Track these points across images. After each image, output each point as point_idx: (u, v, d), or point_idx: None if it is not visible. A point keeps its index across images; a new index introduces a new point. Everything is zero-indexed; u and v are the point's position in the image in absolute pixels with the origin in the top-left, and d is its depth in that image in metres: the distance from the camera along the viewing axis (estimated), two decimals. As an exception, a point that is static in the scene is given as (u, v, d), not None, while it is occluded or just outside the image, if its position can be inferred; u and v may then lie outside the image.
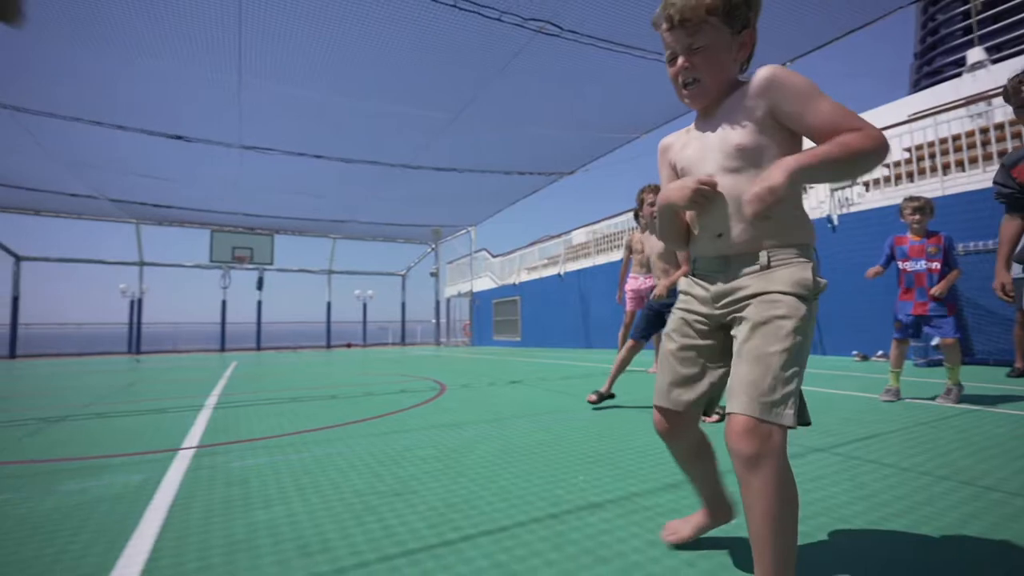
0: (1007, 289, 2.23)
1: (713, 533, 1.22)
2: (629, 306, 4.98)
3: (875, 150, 0.84)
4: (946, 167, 6.72)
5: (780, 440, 0.84)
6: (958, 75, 12.30)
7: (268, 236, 17.77)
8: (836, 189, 7.49)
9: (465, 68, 7.19)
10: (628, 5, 5.74)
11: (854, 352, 6.65)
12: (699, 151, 1.03)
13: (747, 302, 0.94)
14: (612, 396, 3.33)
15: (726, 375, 1.02)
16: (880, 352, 6.36)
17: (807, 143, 0.95)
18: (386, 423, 2.91)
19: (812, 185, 8.79)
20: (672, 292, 3.03)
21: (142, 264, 16.76)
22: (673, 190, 1.02)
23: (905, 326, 3.25)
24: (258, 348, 18.04)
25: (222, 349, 17.50)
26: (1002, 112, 7.06)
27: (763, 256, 0.94)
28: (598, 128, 9.50)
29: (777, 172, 0.85)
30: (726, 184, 0.97)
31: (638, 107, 8.57)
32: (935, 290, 3.13)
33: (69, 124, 8.37)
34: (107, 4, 5.59)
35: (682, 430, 1.09)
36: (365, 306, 20.56)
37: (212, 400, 4.17)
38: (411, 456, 2.12)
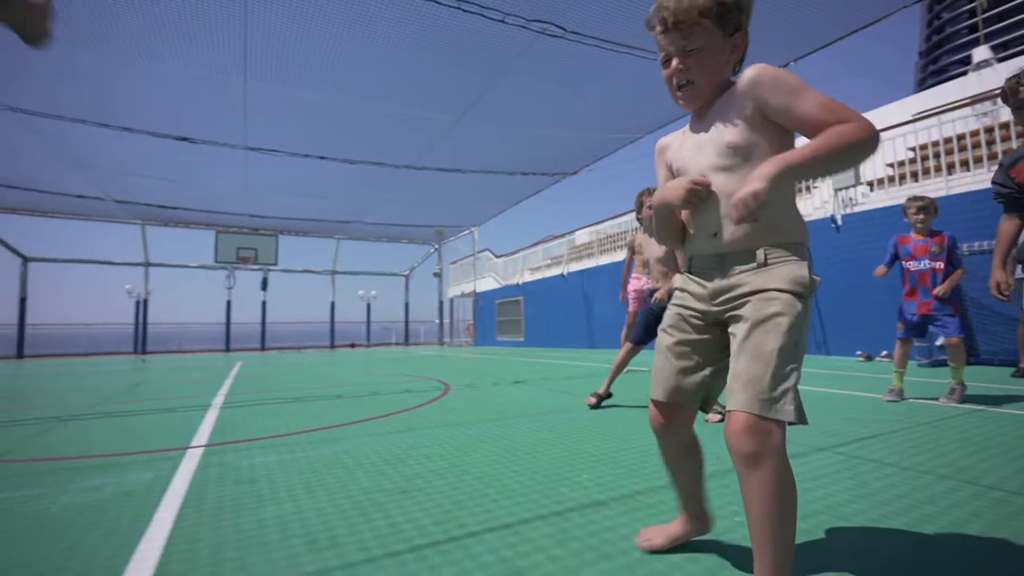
0: (1003, 288, 2.26)
1: (712, 533, 1.24)
2: (632, 306, 4.99)
3: (864, 141, 0.85)
4: (951, 167, 6.70)
5: (780, 437, 0.86)
6: (963, 74, 12.26)
7: (272, 237, 17.85)
8: (840, 189, 7.47)
9: (469, 70, 7.22)
10: (630, 6, 5.75)
11: (858, 352, 6.64)
12: (693, 151, 1.05)
13: (745, 300, 0.96)
14: (610, 395, 3.36)
15: (722, 370, 1.03)
16: (884, 352, 6.34)
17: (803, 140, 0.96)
18: (391, 422, 2.94)
19: (816, 185, 8.78)
20: (672, 296, 3.04)
21: (148, 265, 16.87)
22: (668, 190, 1.04)
23: (910, 326, 3.25)
24: (262, 348, 18.14)
25: (227, 349, 17.60)
26: (1008, 111, 7.03)
27: (760, 254, 0.96)
28: (601, 128, 9.51)
29: (759, 177, 0.86)
30: (720, 183, 0.99)
31: (641, 107, 8.58)
32: (938, 290, 3.13)
33: (76, 126, 8.44)
34: (112, 6, 5.65)
35: (677, 426, 1.10)
36: (369, 306, 20.65)
37: (219, 400, 4.21)
38: (417, 455, 2.15)
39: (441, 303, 20.80)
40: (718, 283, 1.01)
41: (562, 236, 16.03)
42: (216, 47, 6.50)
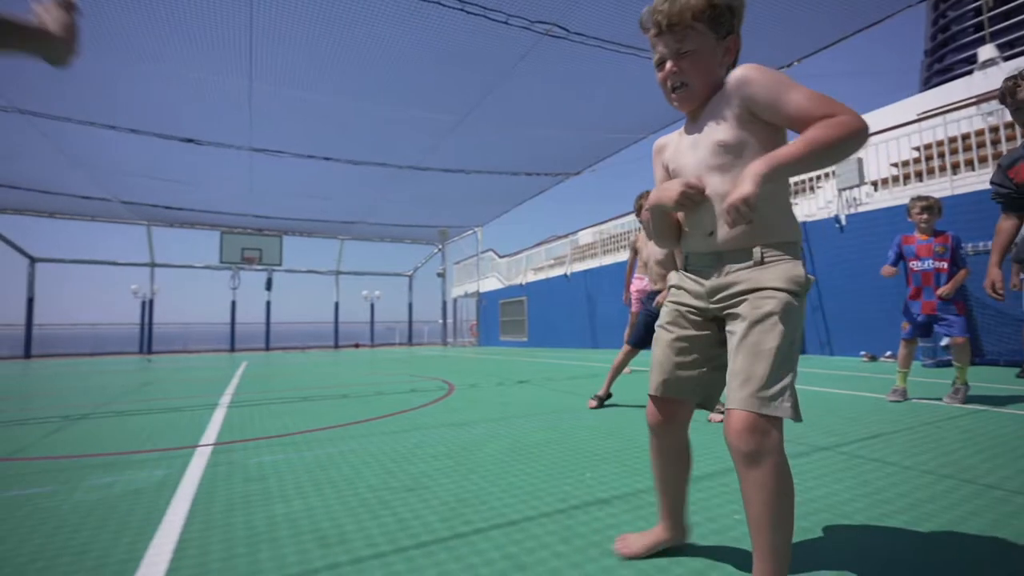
0: (996, 287, 2.30)
1: (712, 531, 1.26)
2: (635, 307, 5.00)
3: (851, 135, 0.86)
4: (955, 166, 6.68)
5: (778, 435, 0.88)
6: (969, 73, 12.20)
7: (277, 237, 17.94)
8: (844, 189, 7.46)
9: (472, 71, 7.25)
10: (633, 7, 5.76)
11: (862, 353, 6.63)
12: (688, 152, 1.07)
13: (742, 298, 0.97)
14: (610, 396, 3.38)
15: (720, 367, 1.04)
16: (888, 353, 6.33)
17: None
18: (397, 422, 2.97)
19: (820, 185, 8.76)
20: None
21: (153, 265, 16.99)
22: (662, 191, 1.06)
23: (915, 326, 3.25)
24: (267, 348, 18.22)
25: (232, 349, 17.69)
26: (1012, 111, 6.99)
27: (756, 252, 0.98)
28: (604, 129, 9.53)
29: (749, 178, 0.88)
30: (715, 182, 1.01)
31: (644, 107, 8.59)
32: (942, 290, 3.13)
33: (83, 128, 8.52)
34: (118, 9, 5.70)
35: (674, 423, 1.12)
36: (372, 306, 20.72)
37: (226, 399, 4.25)
38: (422, 453, 2.17)
39: (444, 303, 20.84)
40: (715, 281, 1.02)
41: (565, 236, 16.04)
42: (222, 49, 6.56)
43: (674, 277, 1.15)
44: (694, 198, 1.01)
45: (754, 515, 0.88)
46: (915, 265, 3.27)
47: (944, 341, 5.23)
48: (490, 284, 19.00)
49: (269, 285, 18.17)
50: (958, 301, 3.16)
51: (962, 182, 6.36)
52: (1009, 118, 7.03)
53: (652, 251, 3.31)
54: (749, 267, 0.98)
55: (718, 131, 1.00)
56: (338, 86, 7.65)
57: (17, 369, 9.84)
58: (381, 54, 6.82)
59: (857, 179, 7.27)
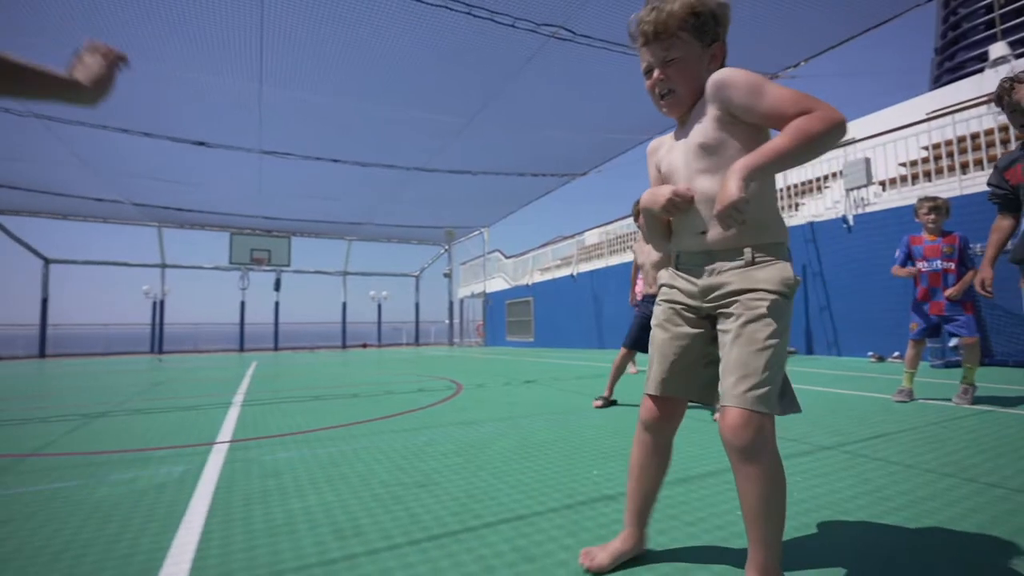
0: (986, 284, 2.34)
1: (711, 528, 1.30)
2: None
3: (829, 130, 0.89)
4: (964, 166, 6.64)
5: (771, 430, 0.93)
6: (980, 71, 12.09)
7: (285, 238, 18.12)
8: (852, 189, 7.43)
9: (479, 73, 7.31)
10: (638, 8, 5.78)
11: (870, 353, 6.61)
12: (677, 156, 1.11)
13: (734, 298, 1.00)
14: (615, 402, 3.40)
15: (714, 363, 1.07)
16: (896, 353, 6.30)
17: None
18: (406, 420, 3.02)
19: (827, 185, 8.73)
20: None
21: (164, 266, 17.23)
22: (652, 195, 1.10)
23: (924, 327, 3.26)
24: (275, 348, 18.41)
25: (241, 349, 17.89)
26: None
27: (747, 253, 1.01)
28: (610, 130, 9.55)
29: (731, 184, 0.91)
30: (702, 184, 1.04)
31: (649, 108, 8.42)
32: (950, 291, 3.14)
33: (97, 132, 8.68)
34: (123, 12, 5.81)
35: (667, 421, 1.14)
36: (380, 307, 20.87)
37: (239, 398, 4.33)
38: (432, 451, 2.22)
39: (451, 303, 20.95)
40: (707, 280, 1.05)
41: (571, 237, 16.07)
42: (234, 52, 6.66)
43: (665, 275, 1.17)
44: (680, 206, 1.05)
45: (749, 507, 0.93)
46: (923, 266, 3.27)
47: (953, 342, 5.21)
48: (496, 284, 19.06)
49: (278, 286, 18.36)
50: (965, 301, 3.16)
51: (971, 182, 6.32)
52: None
53: (649, 255, 3.36)
54: (740, 267, 1.01)
55: (700, 134, 1.04)
56: (346, 89, 7.74)
57: (33, 368, 10.03)
58: (389, 57, 6.90)
59: (865, 179, 7.24)
